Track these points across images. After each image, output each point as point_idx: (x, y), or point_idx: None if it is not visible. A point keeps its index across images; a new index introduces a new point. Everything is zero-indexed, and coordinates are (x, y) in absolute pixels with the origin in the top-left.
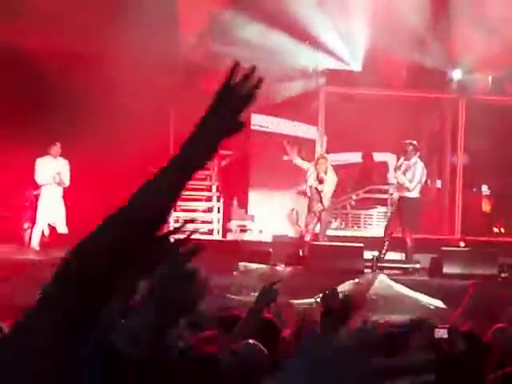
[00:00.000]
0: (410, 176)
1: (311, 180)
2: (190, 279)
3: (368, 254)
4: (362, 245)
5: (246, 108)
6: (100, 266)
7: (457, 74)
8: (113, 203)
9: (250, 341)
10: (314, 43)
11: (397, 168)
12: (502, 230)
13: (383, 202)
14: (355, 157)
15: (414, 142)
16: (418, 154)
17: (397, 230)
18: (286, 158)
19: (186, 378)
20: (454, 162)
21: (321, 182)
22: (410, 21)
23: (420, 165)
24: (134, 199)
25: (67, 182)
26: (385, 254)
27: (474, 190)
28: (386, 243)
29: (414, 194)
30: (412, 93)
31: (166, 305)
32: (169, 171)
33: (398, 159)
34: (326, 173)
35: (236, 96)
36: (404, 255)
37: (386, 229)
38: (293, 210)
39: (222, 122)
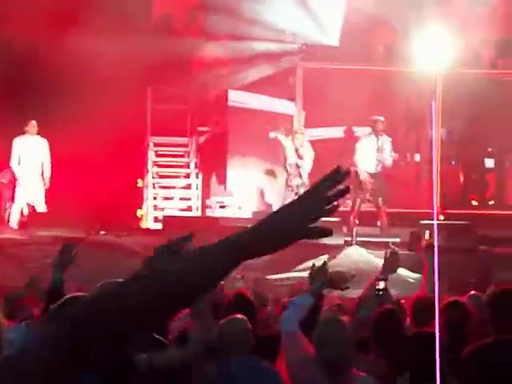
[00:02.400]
0: (389, 152)
1: (291, 156)
2: None
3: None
4: (339, 219)
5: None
6: (119, 320)
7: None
8: (90, 182)
9: (236, 316)
10: (292, 18)
11: (380, 149)
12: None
13: None
14: (334, 132)
15: (382, 118)
16: None
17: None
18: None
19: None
20: (432, 135)
21: (300, 157)
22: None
23: (388, 139)
24: (176, 266)
25: (47, 161)
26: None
27: (453, 163)
28: (357, 221)
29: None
30: (389, 67)
31: None
32: (222, 248)
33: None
34: (303, 147)
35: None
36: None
37: (354, 209)
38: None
39: (297, 225)
